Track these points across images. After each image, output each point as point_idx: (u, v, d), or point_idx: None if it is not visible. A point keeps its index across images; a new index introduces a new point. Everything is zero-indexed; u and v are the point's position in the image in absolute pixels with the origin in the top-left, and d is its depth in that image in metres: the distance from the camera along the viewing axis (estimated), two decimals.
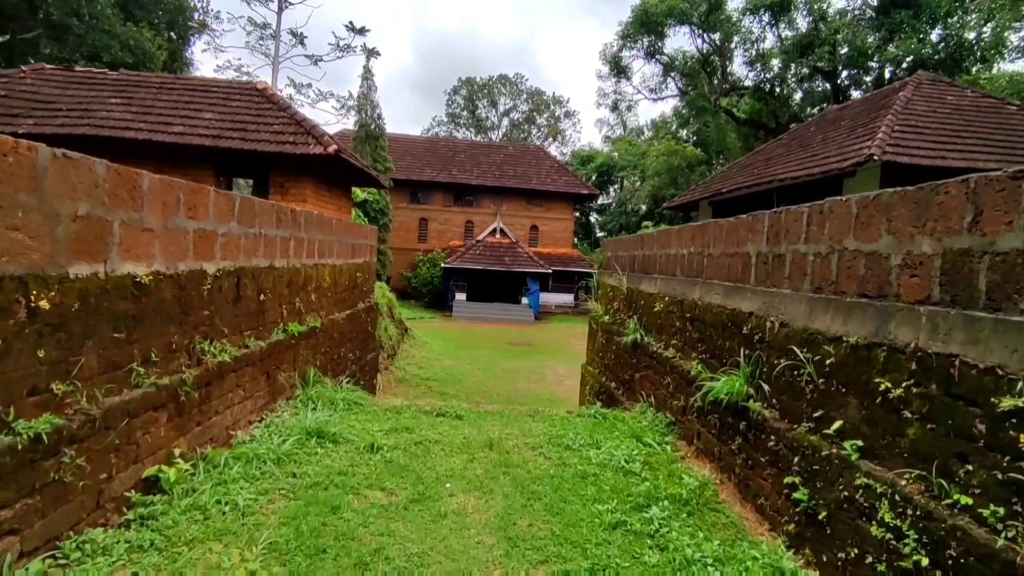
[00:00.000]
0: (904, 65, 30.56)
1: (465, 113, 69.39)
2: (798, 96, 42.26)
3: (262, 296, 5.11)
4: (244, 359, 4.71)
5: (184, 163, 11.51)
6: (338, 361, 7.53)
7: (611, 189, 66.32)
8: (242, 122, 12.13)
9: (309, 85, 26.05)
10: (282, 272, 5.60)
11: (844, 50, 33.17)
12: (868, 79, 35.73)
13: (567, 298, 38.59)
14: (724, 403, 4.10)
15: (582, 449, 4.96)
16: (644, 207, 60.86)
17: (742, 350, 4.21)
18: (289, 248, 5.78)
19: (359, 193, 17.72)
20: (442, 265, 33.61)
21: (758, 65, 40.57)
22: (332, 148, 11.31)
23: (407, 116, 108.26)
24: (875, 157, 12.52)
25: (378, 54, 27.45)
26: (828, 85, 35.74)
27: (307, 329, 6.24)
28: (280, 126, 12.11)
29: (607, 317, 8.83)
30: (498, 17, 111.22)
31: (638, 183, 63.26)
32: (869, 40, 31.24)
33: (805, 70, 38.20)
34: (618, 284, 8.37)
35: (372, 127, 31.96)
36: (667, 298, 6.16)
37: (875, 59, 32.91)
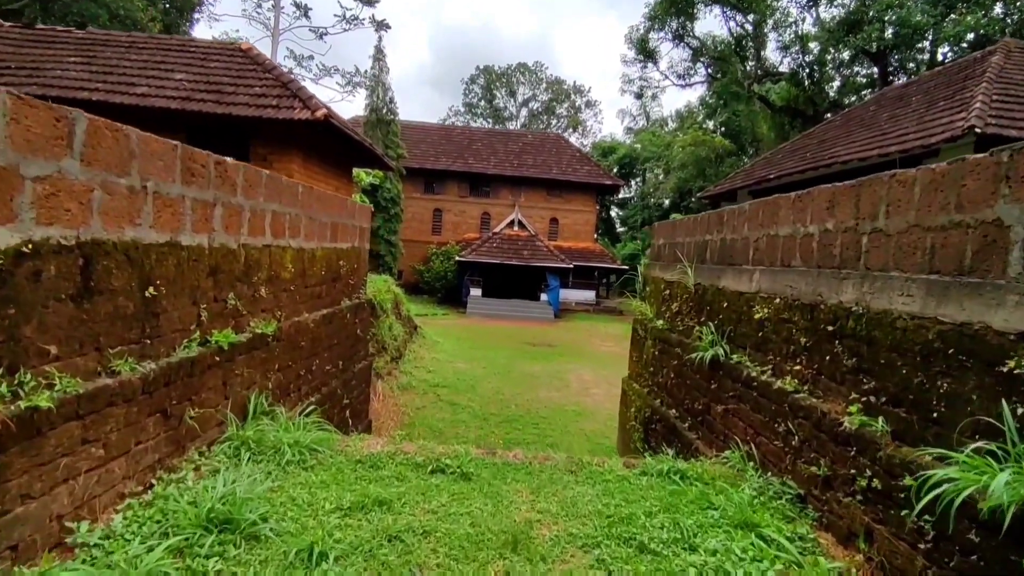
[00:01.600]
0: (963, 43, 27.86)
1: (483, 103, 67.42)
2: (836, 82, 39.69)
3: (151, 290, 3.18)
4: (105, 395, 2.79)
5: (149, 130, 9.71)
6: (307, 378, 5.62)
7: (633, 183, 63.92)
8: (218, 84, 10.28)
9: (311, 58, 23.71)
10: (198, 253, 3.67)
11: (891, 30, 30.50)
12: (913, 63, 33.12)
13: (588, 295, 36.49)
14: (1002, 517, 2.05)
15: (667, 551, 2.96)
16: (668, 201, 58.53)
17: (1005, 406, 2.18)
18: (213, 218, 3.84)
19: (363, 177, 15.85)
20: (456, 258, 31.72)
21: (794, 49, 38.06)
22: (321, 112, 9.41)
23: (424, 113, 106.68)
24: (976, 129, 10.32)
25: (388, 27, 25.59)
26: (876, 68, 33.03)
27: (250, 338, 4.32)
28: (263, 88, 10.24)
29: (661, 322, 6.81)
30: (516, 13, 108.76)
31: (661, 176, 60.86)
32: (919, 18, 28.53)
33: (847, 54, 35.60)
34: (679, 279, 6.34)
35: (384, 111, 30.13)
36: (778, 300, 4.12)
37: (928, 38, 30.25)
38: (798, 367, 3.78)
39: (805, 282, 3.82)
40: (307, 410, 5.07)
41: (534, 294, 32.73)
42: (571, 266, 31.93)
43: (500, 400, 13.46)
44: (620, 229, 66.44)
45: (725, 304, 5.05)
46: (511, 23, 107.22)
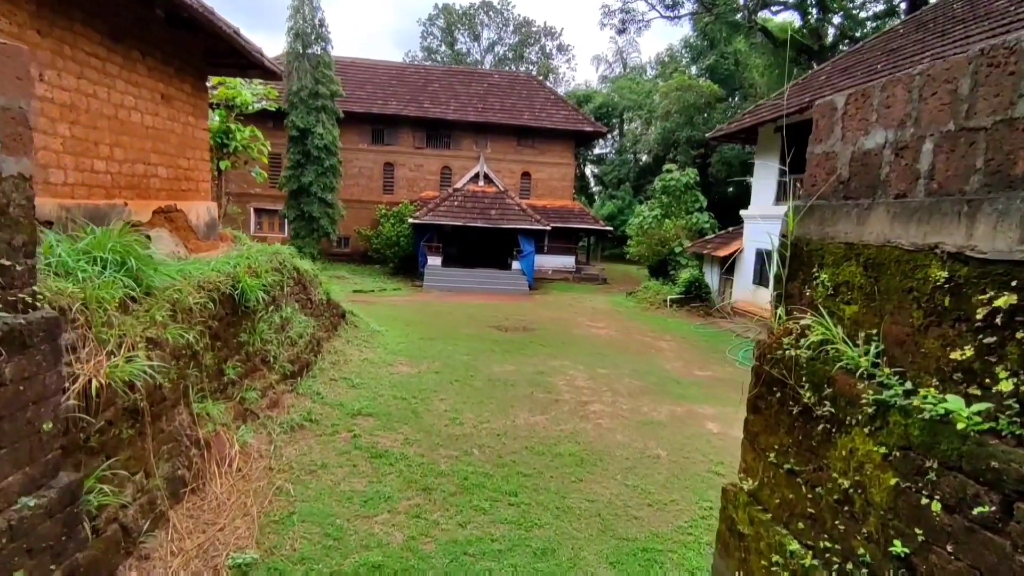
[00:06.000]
0: None
1: (443, 47, 60.56)
2: (837, 18, 35.03)
3: None
4: None
5: None
6: None
7: (610, 136, 58.49)
8: None
9: None
10: None
11: None
12: None
13: (567, 261, 31.68)
14: None
15: None
16: (648, 156, 53.55)
17: None
18: None
19: (242, 94, 10.32)
20: (410, 220, 26.37)
21: None
22: None
23: None
24: None
25: None
26: None
27: None
28: None
29: (964, 415, 1.93)
30: None
31: (640, 128, 55.71)
32: None
33: None
34: None
35: (312, 36, 24.07)
36: None
37: None
38: None
39: None
40: None
41: (504, 262, 27.75)
42: (548, 228, 26.95)
43: (456, 438, 8.60)
44: (595, 188, 61.41)
45: None
46: None
